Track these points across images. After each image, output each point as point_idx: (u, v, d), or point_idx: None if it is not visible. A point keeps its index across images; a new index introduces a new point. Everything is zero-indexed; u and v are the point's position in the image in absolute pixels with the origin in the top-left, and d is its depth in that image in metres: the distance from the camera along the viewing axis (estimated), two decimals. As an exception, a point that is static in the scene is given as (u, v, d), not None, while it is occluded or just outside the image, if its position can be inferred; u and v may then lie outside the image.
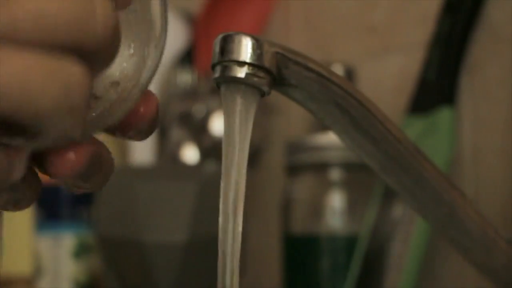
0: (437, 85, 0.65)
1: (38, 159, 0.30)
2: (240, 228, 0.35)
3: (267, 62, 0.34)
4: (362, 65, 0.74)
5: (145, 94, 0.32)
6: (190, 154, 0.78)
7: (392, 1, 0.74)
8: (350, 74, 0.70)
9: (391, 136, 0.40)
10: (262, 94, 0.35)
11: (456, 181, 0.57)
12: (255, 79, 0.34)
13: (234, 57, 0.34)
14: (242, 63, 0.34)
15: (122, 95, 0.32)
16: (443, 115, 0.64)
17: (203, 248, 0.67)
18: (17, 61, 0.27)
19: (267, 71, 0.35)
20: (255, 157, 0.80)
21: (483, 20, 0.66)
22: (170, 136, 0.81)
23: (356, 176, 0.67)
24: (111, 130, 0.33)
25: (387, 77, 0.73)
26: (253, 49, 0.34)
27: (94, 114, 0.31)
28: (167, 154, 0.81)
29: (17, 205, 0.33)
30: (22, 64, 0.27)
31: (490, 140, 0.66)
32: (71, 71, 0.28)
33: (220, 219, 0.35)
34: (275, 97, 0.38)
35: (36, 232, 0.83)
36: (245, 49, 0.34)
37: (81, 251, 0.82)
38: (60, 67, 0.27)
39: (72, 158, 0.30)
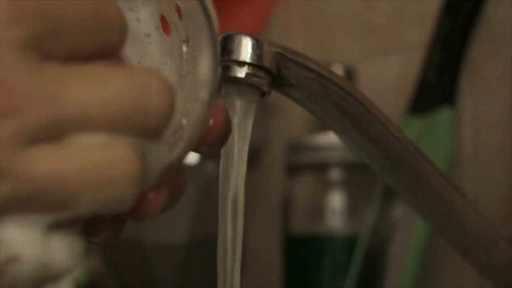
0: (437, 85, 0.65)
1: None
2: (240, 229, 0.35)
3: (267, 62, 0.34)
4: (362, 65, 0.74)
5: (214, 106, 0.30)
6: (190, 154, 0.78)
7: (392, 1, 0.74)
8: (350, 74, 0.70)
9: (391, 136, 0.40)
10: (262, 94, 0.35)
11: (456, 181, 0.57)
12: (255, 79, 0.34)
13: (234, 57, 0.34)
14: (242, 63, 0.34)
15: (190, 132, 0.30)
16: (443, 115, 0.64)
17: (203, 248, 0.67)
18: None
19: (267, 71, 0.35)
20: (255, 157, 0.80)
21: (483, 20, 0.66)
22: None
23: (356, 176, 0.67)
24: None
25: (387, 77, 0.73)
26: (253, 49, 0.34)
27: (170, 154, 0.30)
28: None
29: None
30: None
31: (490, 140, 0.66)
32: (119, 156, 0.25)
33: (220, 220, 0.35)
34: (275, 97, 0.38)
35: (36, 232, 0.83)
36: (245, 49, 0.34)
37: (81, 251, 0.82)
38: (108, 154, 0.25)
39: (152, 199, 0.29)
